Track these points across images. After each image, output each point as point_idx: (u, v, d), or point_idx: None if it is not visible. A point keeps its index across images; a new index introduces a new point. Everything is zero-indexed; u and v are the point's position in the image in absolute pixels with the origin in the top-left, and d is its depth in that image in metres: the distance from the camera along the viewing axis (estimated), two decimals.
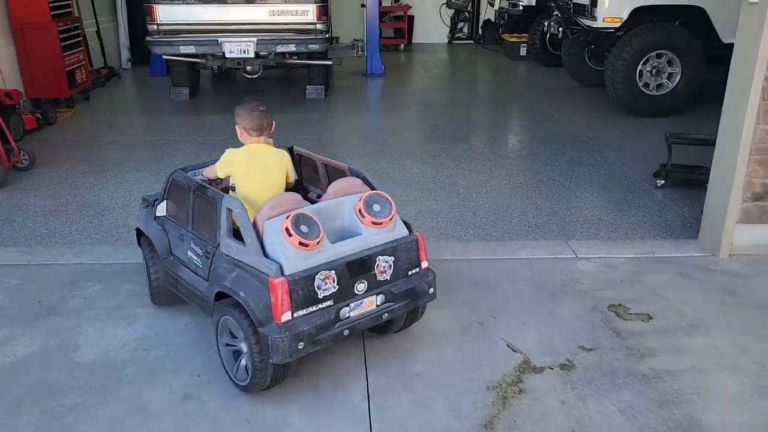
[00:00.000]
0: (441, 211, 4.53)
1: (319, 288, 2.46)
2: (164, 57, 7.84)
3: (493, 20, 13.45)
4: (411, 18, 12.90)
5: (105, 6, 9.86)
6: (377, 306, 2.63)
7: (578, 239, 4.06)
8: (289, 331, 2.40)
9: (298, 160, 3.33)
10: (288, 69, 8.61)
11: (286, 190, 2.95)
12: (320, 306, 2.48)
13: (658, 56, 7.00)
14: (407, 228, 2.77)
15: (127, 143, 6.25)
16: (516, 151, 6.19)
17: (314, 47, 7.48)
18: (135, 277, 3.53)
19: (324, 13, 7.46)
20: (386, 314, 2.67)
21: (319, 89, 8.26)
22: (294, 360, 2.49)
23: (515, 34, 11.70)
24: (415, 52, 12.57)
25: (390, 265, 2.64)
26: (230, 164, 2.87)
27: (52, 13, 7.32)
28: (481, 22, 13.56)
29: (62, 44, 7.43)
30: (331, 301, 2.50)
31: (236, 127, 2.93)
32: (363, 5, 9.96)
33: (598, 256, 3.80)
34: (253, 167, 2.86)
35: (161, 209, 3.11)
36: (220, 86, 9.06)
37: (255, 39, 7.35)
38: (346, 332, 2.56)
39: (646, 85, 7.08)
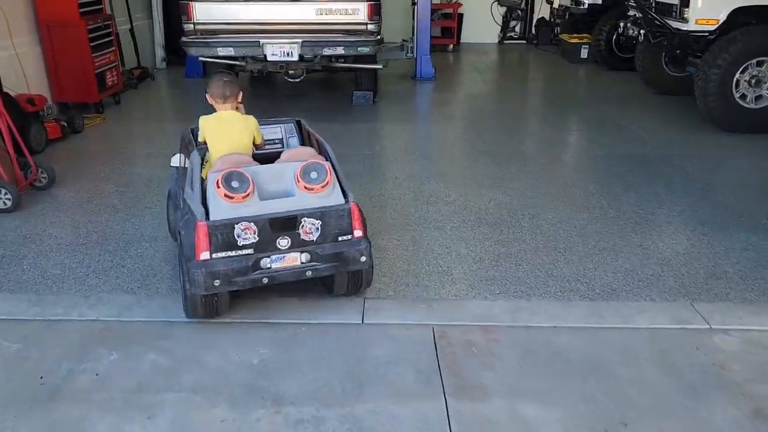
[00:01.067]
0: (525, 256, 3.76)
1: (238, 236, 2.81)
2: (201, 59, 7.19)
3: (547, 19, 12.57)
4: (460, 16, 12.09)
5: (139, 2, 9.29)
6: (301, 263, 2.92)
7: (705, 300, 3.26)
8: (206, 269, 2.79)
9: (306, 135, 3.66)
10: (333, 72, 7.90)
11: (256, 151, 3.35)
12: (239, 252, 2.83)
13: (759, 64, 6.10)
14: (345, 198, 3.00)
15: (158, 156, 5.59)
16: (599, 175, 5.36)
17: (364, 50, 6.75)
18: (161, 342, 2.86)
19: (376, 12, 6.72)
20: (310, 272, 2.94)
21: (368, 95, 7.54)
22: (222, 296, 2.94)
23: (575, 35, 10.82)
24: (464, 52, 11.76)
25: (317, 228, 2.92)
26: (203, 129, 3.29)
27: (81, 10, 6.73)
28: (534, 21, 12.69)
29: (92, 44, 6.85)
30: (251, 250, 2.84)
31: (206, 95, 3.35)
32: (414, 3, 9.21)
33: (739, 328, 2.99)
34: (219, 131, 3.26)
35: (174, 160, 3.68)
36: (259, 90, 8.40)
37: (300, 40, 6.66)
38: (265, 280, 2.90)
39: (743, 96, 6.19)
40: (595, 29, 9.81)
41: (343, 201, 2.99)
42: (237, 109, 3.37)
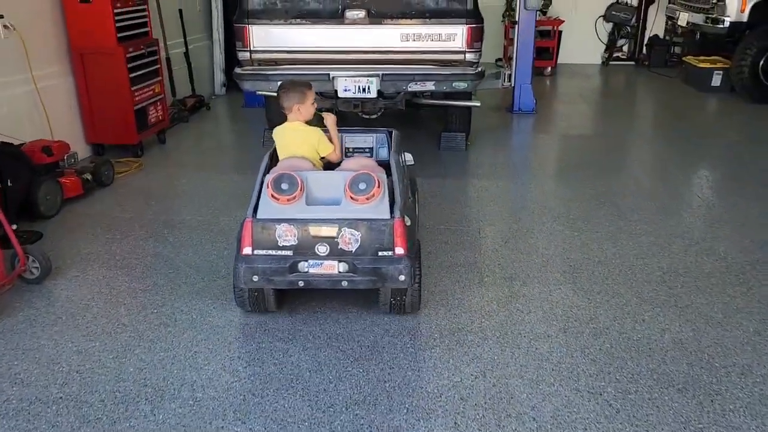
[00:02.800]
0: None
1: (279, 237, 2.90)
2: (258, 93, 5.94)
3: (661, 36, 10.79)
4: (559, 34, 10.47)
5: (197, 22, 8.19)
6: (339, 272, 2.92)
7: None
8: (246, 263, 2.92)
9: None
10: (417, 107, 6.50)
11: (324, 161, 3.46)
12: (279, 252, 2.92)
13: None
14: (391, 213, 2.94)
15: (201, 228, 4.32)
16: None
17: (461, 86, 5.32)
18: None
19: (477, 37, 5.28)
20: (346, 282, 2.94)
21: (459, 139, 6.09)
22: (266, 292, 3.10)
23: (703, 57, 9.03)
24: (564, 76, 10.12)
25: (357, 239, 2.90)
26: (275, 139, 3.49)
27: (119, 35, 5.60)
28: (646, 39, 10.92)
29: (132, 75, 5.69)
30: (290, 251, 2.91)
31: None
32: (513, 22, 7.71)
33: None
34: (282, 141, 3.46)
35: None
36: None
37: (379, 73, 5.29)
38: (301, 283, 2.95)
39: None
40: (737, 51, 8.01)
41: (388, 215, 2.94)
42: (299, 111, 3.41)
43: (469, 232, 4.29)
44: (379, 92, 5.37)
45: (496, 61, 10.38)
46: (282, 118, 3.44)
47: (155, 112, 6.16)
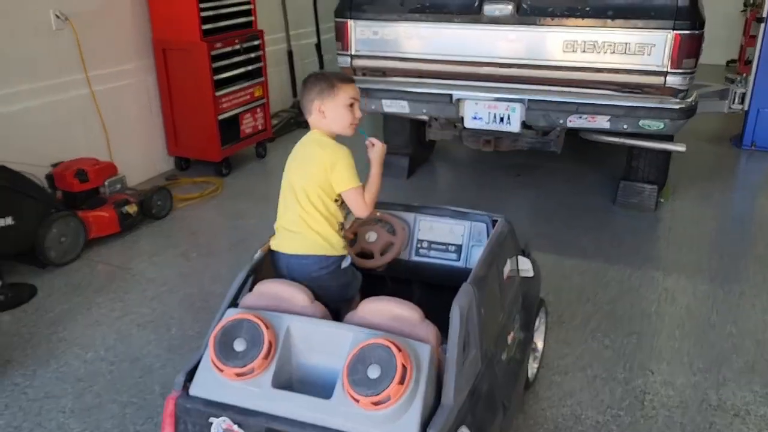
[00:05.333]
0: None
1: None
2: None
3: None
4: None
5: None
6: None
7: None
8: None
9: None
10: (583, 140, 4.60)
11: (345, 233, 2.07)
12: None
13: None
14: None
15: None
16: None
17: (654, 126, 3.39)
18: None
19: (691, 51, 3.30)
20: None
21: (648, 193, 4.13)
22: None
23: None
24: None
25: None
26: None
27: (206, 27, 4.47)
28: None
29: (218, 77, 4.57)
30: None
31: None
32: (760, 18, 5.36)
33: None
34: (288, 164, 2.05)
35: None
36: (457, 154, 5.38)
37: (525, 99, 3.56)
38: None
39: None
40: None
41: None
42: (321, 113, 1.98)
43: (650, 403, 2.48)
44: (523, 124, 3.64)
45: (728, 63, 7.81)
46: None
47: (252, 120, 5.00)
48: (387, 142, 4.80)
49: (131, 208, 3.89)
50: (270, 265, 1.98)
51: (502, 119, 3.65)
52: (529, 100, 3.53)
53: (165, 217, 4.11)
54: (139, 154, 4.64)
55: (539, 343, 2.58)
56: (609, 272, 3.41)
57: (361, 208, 2.00)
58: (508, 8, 3.48)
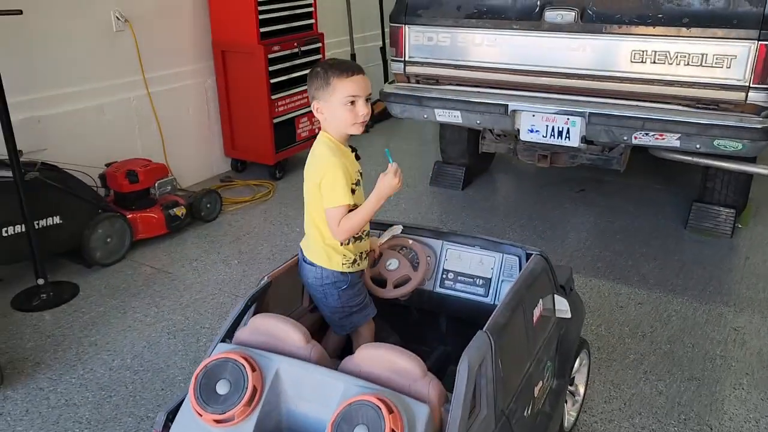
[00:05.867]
0: None
1: None
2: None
3: None
4: None
5: None
6: None
7: None
8: None
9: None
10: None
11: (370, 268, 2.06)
12: None
13: None
14: None
15: None
16: None
17: (731, 147, 3.05)
18: None
19: None
20: None
21: (724, 217, 3.77)
22: None
23: None
24: None
25: None
26: None
27: (264, 29, 4.43)
28: None
29: (274, 80, 4.52)
30: None
31: None
32: None
33: None
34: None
35: None
36: (518, 165, 5.05)
37: (586, 112, 3.29)
38: None
39: None
40: None
41: None
42: (319, 112, 1.85)
43: None
44: (583, 139, 3.38)
45: None
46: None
47: (309, 124, 4.94)
48: (444, 152, 4.63)
49: (179, 211, 3.89)
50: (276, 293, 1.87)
51: (560, 133, 3.40)
52: (590, 113, 3.26)
53: (213, 220, 4.10)
54: (195, 154, 4.67)
55: (581, 387, 2.35)
56: (671, 305, 3.10)
57: (333, 230, 1.83)
58: (571, 15, 3.23)
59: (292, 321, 1.58)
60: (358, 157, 1.93)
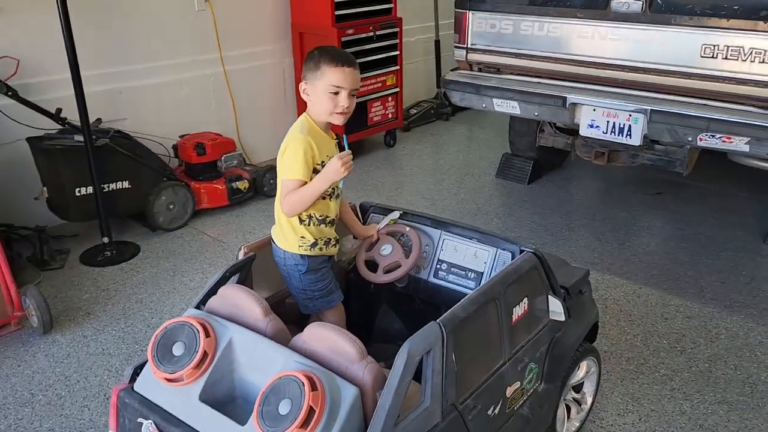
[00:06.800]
0: None
1: None
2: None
3: None
4: None
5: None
6: None
7: None
8: None
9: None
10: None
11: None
12: None
13: None
14: None
15: None
16: None
17: None
18: None
19: None
20: None
21: None
22: None
23: None
24: None
25: None
26: None
27: (340, 12, 4.51)
28: None
29: None
30: None
31: None
32: None
33: None
34: None
35: None
36: (592, 163, 4.80)
37: (647, 109, 3.09)
38: None
39: None
40: None
41: None
42: (305, 93, 1.90)
43: None
44: (644, 138, 3.18)
45: None
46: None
47: (382, 108, 4.98)
48: (513, 143, 4.51)
49: (242, 184, 4.08)
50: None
51: (621, 130, 3.21)
52: (652, 110, 3.06)
53: (275, 196, 4.24)
54: (268, 132, 4.83)
55: (588, 396, 2.24)
56: (723, 322, 2.87)
57: (281, 201, 1.87)
58: (639, 4, 3.03)
59: (254, 294, 1.63)
60: (342, 148, 1.93)
